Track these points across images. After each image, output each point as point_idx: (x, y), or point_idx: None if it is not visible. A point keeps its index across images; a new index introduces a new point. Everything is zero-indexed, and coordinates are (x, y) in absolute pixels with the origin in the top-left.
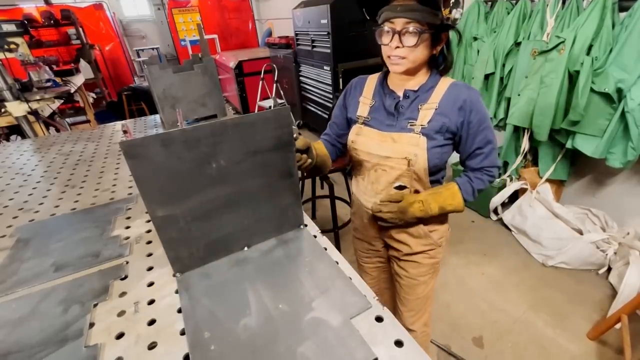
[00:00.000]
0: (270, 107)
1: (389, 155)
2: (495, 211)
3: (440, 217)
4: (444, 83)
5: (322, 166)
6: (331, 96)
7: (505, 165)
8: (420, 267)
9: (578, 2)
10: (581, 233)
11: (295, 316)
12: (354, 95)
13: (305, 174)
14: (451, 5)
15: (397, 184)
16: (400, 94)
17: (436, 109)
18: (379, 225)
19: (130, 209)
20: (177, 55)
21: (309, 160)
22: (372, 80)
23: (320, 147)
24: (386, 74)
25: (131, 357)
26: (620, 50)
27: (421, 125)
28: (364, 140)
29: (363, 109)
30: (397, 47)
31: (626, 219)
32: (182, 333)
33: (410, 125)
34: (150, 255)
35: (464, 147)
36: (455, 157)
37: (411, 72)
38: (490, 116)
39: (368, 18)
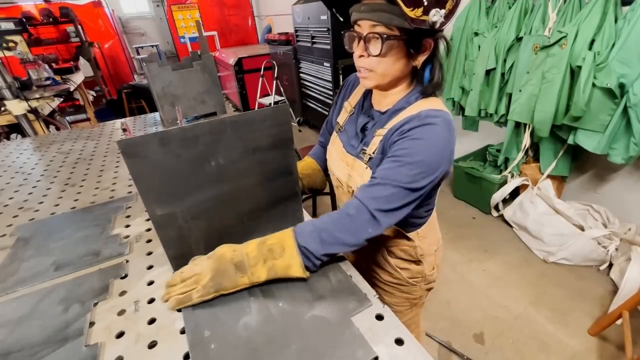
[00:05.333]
0: (270, 104)
1: (342, 179)
2: (496, 207)
3: (413, 256)
4: (415, 108)
5: (312, 187)
6: (331, 93)
7: (507, 161)
8: (392, 297)
9: None
10: (582, 229)
11: (295, 314)
12: (343, 95)
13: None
14: (425, 4)
15: None
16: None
17: (383, 137)
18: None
19: (130, 207)
20: (176, 53)
21: None
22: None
23: (304, 165)
24: None
25: (131, 356)
26: (623, 44)
27: (370, 155)
28: (332, 153)
29: (342, 117)
30: (361, 55)
31: (628, 214)
32: (182, 332)
33: (362, 153)
34: (150, 253)
35: None
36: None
37: (384, 87)
38: (491, 112)
39: (342, 20)
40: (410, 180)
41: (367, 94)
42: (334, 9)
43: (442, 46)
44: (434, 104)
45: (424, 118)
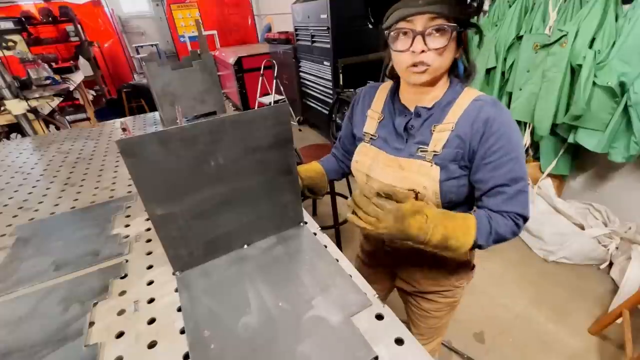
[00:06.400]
0: (270, 103)
1: (394, 184)
2: None
3: (465, 259)
4: (466, 97)
5: (314, 188)
6: (331, 92)
7: None
8: (434, 304)
9: None
10: (583, 228)
11: (295, 314)
12: (362, 107)
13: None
14: None
15: None
16: (412, 110)
17: (452, 131)
18: (392, 255)
19: (129, 207)
20: (176, 52)
21: None
22: (383, 90)
23: (308, 168)
24: (397, 85)
25: (131, 356)
26: (624, 43)
27: (434, 151)
28: (368, 162)
29: (370, 125)
30: (423, 51)
31: (628, 213)
32: (182, 332)
33: (421, 151)
34: (149, 253)
35: (479, 181)
36: None
37: (431, 82)
38: None
39: (372, 21)
40: (524, 170)
41: (393, 95)
42: (369, 9)
43: (472, 37)
44: (474, 92)
45: (493, 102)
